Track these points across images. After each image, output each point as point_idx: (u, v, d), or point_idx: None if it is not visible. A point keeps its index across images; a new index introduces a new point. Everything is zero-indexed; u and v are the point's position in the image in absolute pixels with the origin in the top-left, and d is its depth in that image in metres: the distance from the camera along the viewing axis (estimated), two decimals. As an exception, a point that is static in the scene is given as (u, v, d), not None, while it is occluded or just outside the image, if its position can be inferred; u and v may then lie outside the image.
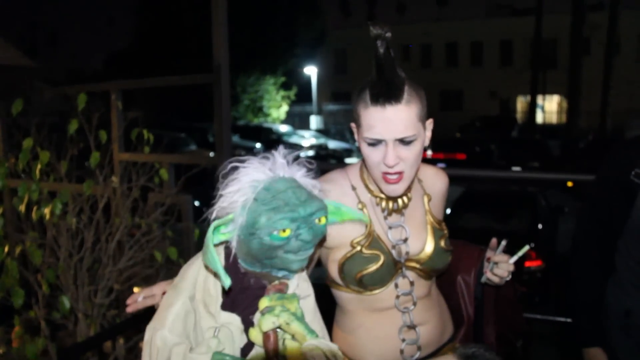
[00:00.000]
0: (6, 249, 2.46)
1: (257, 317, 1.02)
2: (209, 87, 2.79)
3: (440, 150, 12.34)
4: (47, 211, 2.32)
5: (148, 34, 20.25)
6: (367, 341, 1.31)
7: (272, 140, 16.36)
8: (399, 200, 1.29)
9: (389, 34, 1.11)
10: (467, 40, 28.16)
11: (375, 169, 1.20)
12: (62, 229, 2.34)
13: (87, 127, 2.47)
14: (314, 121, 25.23)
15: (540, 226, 5.66)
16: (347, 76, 28.59)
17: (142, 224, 2.52)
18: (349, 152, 17.04)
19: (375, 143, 1.17)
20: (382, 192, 1.27)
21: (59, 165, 2.48)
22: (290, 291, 1.05)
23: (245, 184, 0.97)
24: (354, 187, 1.31)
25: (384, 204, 1.29)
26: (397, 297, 1.28)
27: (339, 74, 29.30)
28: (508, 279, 1.34)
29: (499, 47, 27.80)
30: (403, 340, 1.28)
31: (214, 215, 1.00)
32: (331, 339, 1.25)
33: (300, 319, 1.00)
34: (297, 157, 1.05)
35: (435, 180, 1.40)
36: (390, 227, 1.29)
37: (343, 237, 1.26)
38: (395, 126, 1.14)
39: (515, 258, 1.34)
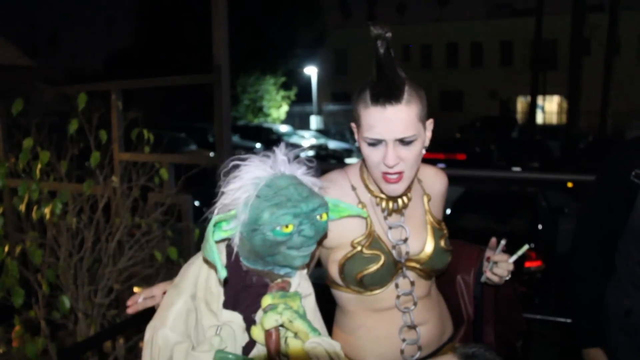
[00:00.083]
0: (6, 248, 2.47)
1: (259, 315, 1.02)
2: (209, 87, 2.79)
3: (441, 150, 12.34)
4: (47, 211, 2.33)
5: (148, 34, 20.25)
6: (368, 341, 1.31)
7: (272, 141, 16.34)
8: (399, 201, 1.29)
9: (389, 34, 1.12)
10: (467, 40, 28.15)
11: (375, 169, 1.20)
12: (62, 229, 2.34)
13: (87, 127, 2.47)
14: (314, 121, 25.24)
15: (540, 227, 5.66)
16: (347, 76, 28.60)
17: (142, 224, 2.52)
18: (349, 153, 17.04)
19: (375, 143, 1.17)
20: (382, 192, 1.27)
21: (59, 165, 2.49)
22: (292, 290, 1.05)
23: (247, 181, 0.98)
24: (354, 187, 1.31)
25: (384, 204, 1.29)
26: (398, 297, 1.28)
27: (339, 74, 29.30)
28: (507, 278, 1.34)
29: (499, 47, 27.80)
30: (403, 340, 1.29)
31: (215, 212, 1.00)
32: (331, 339, 1.25)
33: (303, 317, 1.00)
34: (297, 156, 1.05)
35: (435, 181, 1.40)
36: (390, 227, 1.29)
37: (343, 237, 1.26)
38: (395, 126, 1.14)
39: (514, 257, 1.34)
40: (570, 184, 7.22)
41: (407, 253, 1.29)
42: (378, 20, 1.14)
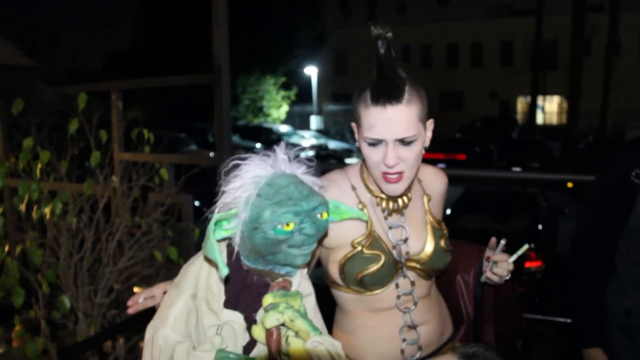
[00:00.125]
0: (6, 248, 2.47)
1: (260, 314, 1.02)
2: (209, 87, 2.79)
3: (441, 150, 12.35)
4: (47, 211, 2.33)
5: (148, 34, 20.25)
6: (368, 341, 1.31)
7: (272, 141, 16.32)
8: (399, 201, 1.29)
9: (390, 34, 1.12)
10: (467, 40, 28.15)
11: (375, 169, 1.20)
12: (62, 229, 2.34)
13: (88, 127, 2.47)
14: (314, 121, 25.23)
15: (540, 227, 5.66)
16: (347, 76, 28.59)
17: (142, 224, 2.53)
18: (349, 153, 17.04)
19: (375, 143, 1.17)
20: (382, 192, 1.27)
21: (59, 165, 2.49)
22: (293, 289, 1.05)
23: (248, 180, 0.98)
24: (354, 187, 1.31)
25: (384, 204, 1.29)
26: (398, 297, 1.28)
27: (339, 74, 29.30)
28: (507, 278, 1.35)
29: (499, 47, 27.79)
30: (404, 340, 1.29)
31: (216, 212, 1.00)
32: (331, 339, 1.25)
33: (304, 316, 1.00)
34: (297, 155, 1.05)
35: (435, 180, 1.40)
36: (390, 227, 1.29)
37: (343, 237, 1.26)
38: (395, 126, 1.14)
39: (514, 257, 1.34)
40: (570, 184, 7.23)
41: (408, 253, 1.29)
42: (379, 20, 1.14)
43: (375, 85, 1.14)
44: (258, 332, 1.00)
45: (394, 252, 1.28)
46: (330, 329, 1.28)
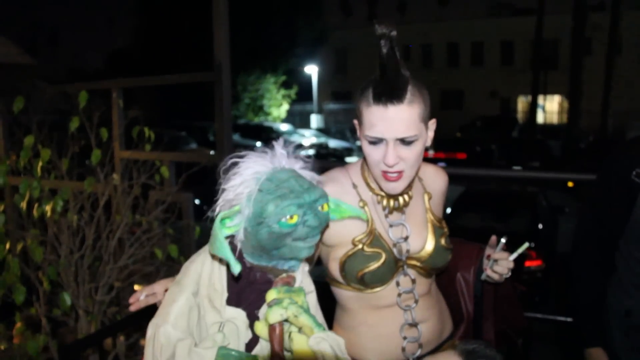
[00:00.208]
0: (7, 246, 2.47)
1: (263, 310, 1.02)
2: (210, 86, 2.79)
3: (441, 149, 12.35)
4: (48, 208, 2.33)
5: (149, 33, 20.24)
6: (369, 339, 1.31)
7: (272, 139, 16.26)
8: (400, 199, 1.29)
9: (394, 33, 1.12)
10: (467, 40, 28.12)
11: (375, 167, 1.21)
12: (63, 227, 2.34)
13: (88, 125, 2.48)
14: (315, 120, 25.23)
15: (540, 226, 5.66)
16: (347, 75, 28.59)
17: (142, 222, 2.53)
18: (349, 151, 17.05)
19: (376, 141, 1.17)
20: (382, 190, 1.27)
21: (60, 163, 2.49)
22: (296, 285, 1.05)
23: (248, 177, 0.98)
24: (355, 185, 1.31)
25: (385, 202, 1.29)
26: (399, 295, 1.28)
27: (340, 73, 29.30)
28: (507, 276, 1.35)
29: (499, 47, 27.77)
30: (404, 338, 1.29)
31: (217, 209, 1.00)
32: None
33: (308, 311, 1.00)
34: (294, 150, 1.06)
35: (436, 179, 1.40)
36: (391, 225, 1.29)
37: (344, 235, 1.26)
38: (396, 126, 1.14)
39: (515, 255, 1.34)
40: (570, 184, 7.23)
41: (408, 251, 1.29)
42: (384, 18, 1.14)
43: (377, 84, 1.14)
44: (261, 328, 1.01)
45: (395, 250, 1.28)
46: (330, 327, 1.28)
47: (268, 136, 17.12)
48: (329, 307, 1.33)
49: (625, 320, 1.58)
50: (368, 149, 1.19)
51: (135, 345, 2.43)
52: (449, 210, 5.98)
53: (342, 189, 1.29)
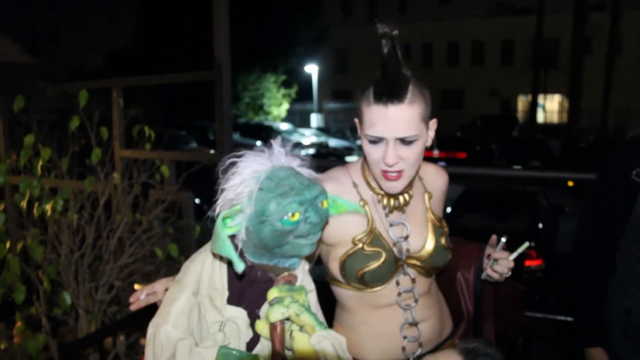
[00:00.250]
0: (8, 245, 2.47)
1: (264, 309, 1.02)
2: (210, 85, 2.79)
3: (441, 149, 12.35)
4: (48, 208, 2.33)
5: (149, 32, 20.23)
6: (369, 338, 1.31)
7: (272, 138, 16.30)
8: (400, 198, 1.29)
9: (395, 32, 1.12)
10: (468, 39, 28.12)
11: (375, 167, 1.21)
12: (63, 226, 2.34)
13: (88, 124, 2.48)
14: (315, 119, 25.23)
15: (540, 225, 5.66)
16: (347, 75, 28.59)
17: (142, 221, 2.53)
18: (349, 151, 17.04)
19: (376, 141, 1.17)
20: (382, 189, 1.27)
21: (60, 162, 2.49)
22: (297, 284, 1.05)
23: (248, 175, 0.98)
24: (355, 184, 1.31)
25: (385, 201, 1.29)
26: (399, 294, 1.28)
27: (340, 72, 29.30)
28: (508, 275, 1.35)
29: (500, 46, 27.77)
30: (405, 337, 1.29)
31: (217, 209, 1.01)
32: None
33: (309, 310, 1.01)
34: (292, 149, 1.06)
35: (436, 178, 1.40)
36: (391, 225, 1.29)
37: (344, 234, 1.26)
38: (396, 125, 1.14)
39: (515, 254, 1.34)
40: (570, 183, 7.23)
41: (408, 250, 1.29)
42: (386, 18, 1.14)
43: (378, 83, 1.14)
44: (262, 326, 1.01)
45: (395, 250, 1.28)
46: (330, 326, 1.28)
47: (268, 135, 16.93)
48: (329, 306, 1.33)
49: (626, 320, 1.58)
50: (368, 148, 1.19)
51: (136, 345, 2.43)
52: (449, 209, 5.98)
53: (343, 187, 1.29)
